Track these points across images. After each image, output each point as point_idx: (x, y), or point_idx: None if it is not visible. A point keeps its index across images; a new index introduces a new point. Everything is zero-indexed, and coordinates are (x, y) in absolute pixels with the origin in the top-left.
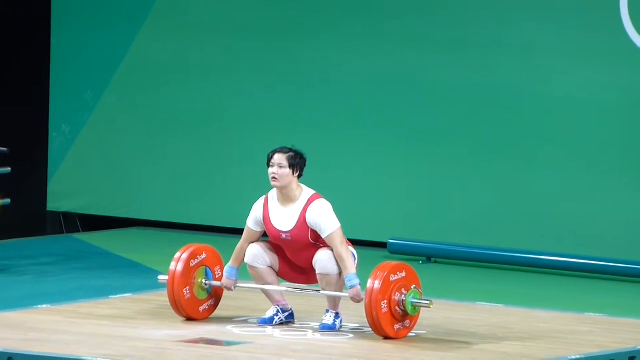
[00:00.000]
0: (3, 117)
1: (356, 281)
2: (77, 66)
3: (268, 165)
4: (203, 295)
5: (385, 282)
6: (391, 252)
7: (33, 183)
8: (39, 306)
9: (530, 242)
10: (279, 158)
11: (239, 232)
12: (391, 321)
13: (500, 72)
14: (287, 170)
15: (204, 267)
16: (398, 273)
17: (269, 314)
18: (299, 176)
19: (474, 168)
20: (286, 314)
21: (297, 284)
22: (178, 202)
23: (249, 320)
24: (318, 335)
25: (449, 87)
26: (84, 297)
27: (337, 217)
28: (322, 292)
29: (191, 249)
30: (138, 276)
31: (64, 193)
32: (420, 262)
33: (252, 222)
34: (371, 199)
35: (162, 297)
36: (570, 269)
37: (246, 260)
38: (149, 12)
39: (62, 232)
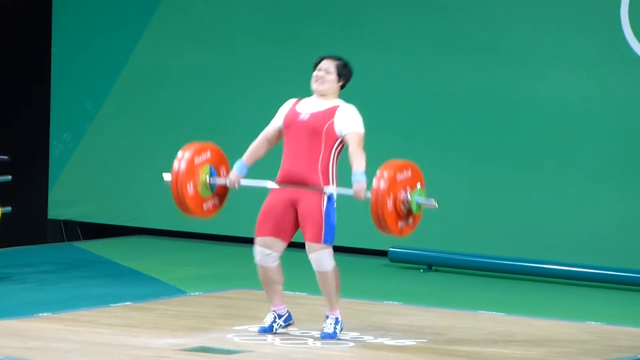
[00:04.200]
0: (3, 125)
1: (363, 177)
2: (78, 74)
3: (317, 64)
4: (207, 193)
5: (392, 181)
6: (392, 261)
7: (34, 191)
8: (39, 314)
9: (532, 250)
10: (327, 64)
11: (240, 240)
12: (395, 219)
13: (501, 79)
14: (334, 77)
15: (209, 165)
16: (404, 171)
17: (267, 322)
18: (342, 86)
19: (474, 176)
20: (283, 317)
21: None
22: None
23: (249, 329)
24: (319, 344)
25: (450, 93)
26: (84, 305)
27: (338, 224)
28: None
29: (196, 146)
30: (138, 284)
31: (64, 201)
32: (421, 270)
33: (276, 117)
34: None
35: (162, 306)
36: (572, 277)
37: (256, 260)
38: (149, 20)
39: (63, 241)
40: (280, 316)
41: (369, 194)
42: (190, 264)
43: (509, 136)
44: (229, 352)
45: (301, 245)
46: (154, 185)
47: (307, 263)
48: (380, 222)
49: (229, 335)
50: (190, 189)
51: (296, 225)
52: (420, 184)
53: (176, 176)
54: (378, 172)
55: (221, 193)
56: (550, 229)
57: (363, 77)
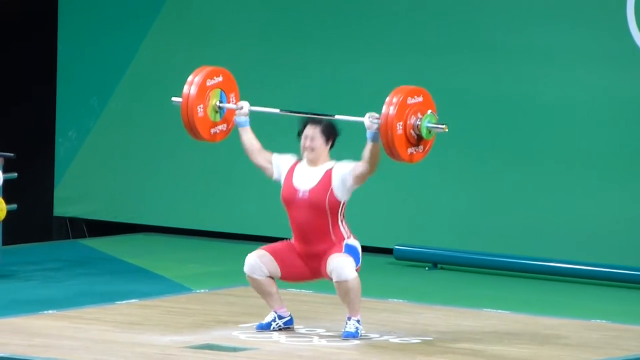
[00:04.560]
0: (9, 122)
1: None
2: (83, 72)
3: (299, 136)
4: (216, 118)
5: (402, 105)
6: (397, 259)
7: (39, 188)
8: (45, 312)
9: (537, 248)
10: (311, 131)
11: (246, 237)
12: (405, 144)
13: (505, 76)
14: (320, 142)
15: (220, 89)
16: (415, 97)
17: (267, 319)
18: (331, 147)
19: (479, 175)
20: (284, 319)
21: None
22: (184, 207)
23: (255, 327)
24: (324, 342)
25: (455, 93)
26: (89, 302)
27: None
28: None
29: (209, 69)
30: (144, 282)
31: (70, 198)
32: (427, 268)
33: (276, 158)
34: (377, 205)
35: (167, 303)
36: (578, 275)
37: (245, 270)
38: (155, 18)
39: (68, 238)
40: (281, 317)
41: (377, 122)
42: (196, 262)
43: (515, 133)
44: (235, 349)
45: None
46: (159, 182)
47: None
48: (390, 148)
49: (235, 333)
50: (200, 111)
51: (304, 278)
52: (432, 110)
53: (187, 98)
54: (388, 97)
55: (229, 119)
56: (556, 227)
57: (368, 78)
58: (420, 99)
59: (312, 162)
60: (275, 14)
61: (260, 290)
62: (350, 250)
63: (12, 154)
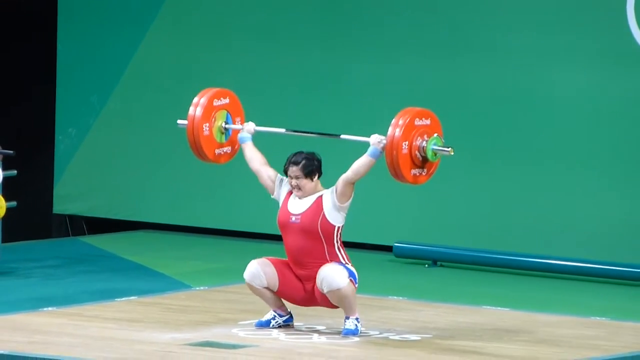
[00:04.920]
0: (9, 119)
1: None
2: (83, 69)
3: (285, 173)
4: (222, 139)
5: (409, 125)
6: (397, 256)
7: (39, 186)
8: (44, 309)
9: (536, 246)
10: (294, 172)
11: (246, 235)
12: (410, 165)
13: (505, 76)
14: (306, 180)
15: (226, 111)
16: (423, 119)
17: (266, 317)
18: (319, 176)
19: (479, 172)
20: (284, 317)
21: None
22: (184, 205)
23: (254, 324)
24: (324, 339)
25: (454, 91)
26: (89, 299)
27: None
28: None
29: (216, 90)
30: (144, 279)
31: (70, 196)
32: (426, 265)
33: (279, 178)
34: (377, 203)
35: (167, 300)
36: (576, 272)
37: (245, 276)
38: (156, 16)
39: (68, 235)
40: (281, 315)
41: (384, 142)
42: (195, 259)
43: (515, 132)
44: (234, 346)
45: None
46: (159, 179)
47: None
48: (395, 169)
49: (234, 330)
50: (205, 129)
51: (299, 301)
52: (438, 134)
53: (192, 118)
54: (394, 119)
55: (235, 141)
56: (555, 225)
57: (366, 77)
58: (428, 121)
59: (303, 196)
60: (275, 13)
61: (259, 295)
62: (347, 269)
63: (12, 152)
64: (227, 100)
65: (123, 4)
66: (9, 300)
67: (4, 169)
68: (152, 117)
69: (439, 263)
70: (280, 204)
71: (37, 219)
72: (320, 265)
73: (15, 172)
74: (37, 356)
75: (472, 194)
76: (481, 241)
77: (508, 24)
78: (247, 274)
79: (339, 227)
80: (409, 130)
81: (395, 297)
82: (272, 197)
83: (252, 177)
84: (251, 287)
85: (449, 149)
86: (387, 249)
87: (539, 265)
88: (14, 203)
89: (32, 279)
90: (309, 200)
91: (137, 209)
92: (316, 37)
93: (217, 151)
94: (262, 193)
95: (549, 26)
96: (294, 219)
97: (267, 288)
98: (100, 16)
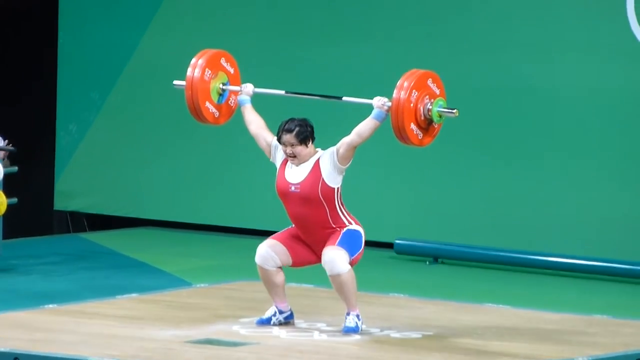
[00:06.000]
0: (10, 115)
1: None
2: (84, 65)
3: (278, 141)
4: (218, 100)
5: (414, 87)
6: (398, 253)
7: (40, 182)
8: (46, 306)
9: (538, 243)
10: (289, 139)
11: (246, 232)
12: (416, 127)
13: (507, 71)
14: (301, 147)
15: (226, 75)
16: (428, 81)
17: (267, 314)
18: (313, 141)
19: (480, 169)
20: (284, 314)
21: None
22: (185, 201)
23: (255, 321)
24: (325, 336)
25: (454, 87)
26: (90, 297)
27: None
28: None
29: (213, 51)
30: (145, 276)
31: (71, 192)
32: (427, 262)
33: (276, 141)
34: (378, 200)
35: (168, 297)
36: (578, 270)
37: (257, 260)
38: (156, 11)
39: (69, 232)
40: (281, 312)
41: (389, 104)
42: (196, 256)
43: (515, 128)
44: (235, 344)
45: None
46: (160, 176)
47: None
48: (401, 132)
49: (235, 327)
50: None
51: (312, 262)
52: (441, 93)
53: (191, 80)
54: (399, 81)
55: (229, 106)
56: (557, 222)
57: (363, 74)
58: (433, 83)
59: (300, 163)
60: (273, 13)
61: (268, 281)
62: (350, 236)
63: (13, 147)
64: (231, 69)
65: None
66: (10, 297)
67: (4, 165)
68: (153, 114)
69: (440, 260)
70: (277, 171)
71: (38, 216)
72: (325, 230)
73: (16, 168)
74: (39, 354)
75: (473, 190)
76: (482, 238)
77: (503, 17)
78: (258, 258)
79: (338, 188)
80: (415, 91)
81: (396, 294)
82: (270, 160)
83: (252, 173)
84: (263, 271)
85: (454, 110)
86: (388, 245)
87: (540, 262)
88: (15, 199)
89: (33, 276)
90: (306, 167)
91: (138, 206)
92: (321, 27)
93: (211, 108)
94: (262, 189)
95: (548, 20)
96: (293, 188)
97: (280, 267)
98: (100, 12)
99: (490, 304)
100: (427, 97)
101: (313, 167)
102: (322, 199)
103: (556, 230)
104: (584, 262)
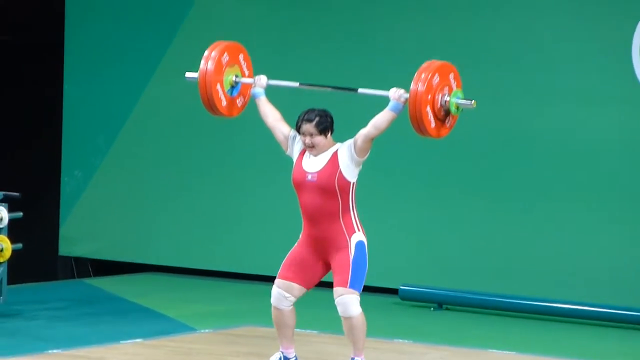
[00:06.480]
0: (15, 161)
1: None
2: (90, 110)
3: (297, 131)
4: (230, 92)
5: (430, 82)
6: (402, 299)
7: (44, 228)
8: (50, 351)
9: (543, 289)
10: (308, 129)
11: (250, 277)
12: (434, 118)
13: (508, 118)
14: (320, 137)
15: (239, 68)
16: (445, 73)
17: (272, 359)
18: (332, 132)
19: (484, 216)
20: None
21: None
22: (190, 247)
23: None
24: None
25: (457, 133)
26: (94, 342)
27: None
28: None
29: (226, 43)
30: (149, 321)
31: (75, 238)
32: (432, 308)
33: (293, 133)
34: (382, 245)
35: (173, 343)
36: (584, 316)
37: (272, 301)
38: (162, 56)
39: (74, 277)
40: (286, 358)
41: (406, 96)
42: (200, 302)
43: (519, 174)
44: None
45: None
46: (165, 222)
47: (320, 301)
48: (419, 124)
49: None
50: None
51: (322, 276)
52: (457, 85)
53: (204, 72)
54: (417, 73)
55: (245, 93)
56: (562, 268)
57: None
58: (450, 75)
59: (318, 154)
60: (282, 57)
61: (280, 321)
62: (358, 265)
63: (17, 194)
64: (244, 63)
65: (130, 44)
66: (14, 342)
67: (9, 211)
68: (158, 159)
69: (444, 306)
70: (295, 162)
71: (42, 261)
72: (333, 225)
73: (21, 214)
74: None
75: (477, 237)
76: (487, 284)
77: (506, 63)
78: (272, 299)
79: (353, 183)
80: (430, 87)
81: (401, 340)
82: (286, 153)
83: (257, 219)
84: (277, 311)
85: (472, 101)
86: (393, 291)
87: (545, 308)
88: (19, 245)
89: (38, 321)
90: (324, 158)
91: (143, 252)
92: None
93: (223, 98)
94: (267, 235)
95: (545, 67)
96: (310, 177)
97: (293, 308)
98: (107, 57)
99: (494, 350)
100: (447, 87)
101: (331, 158)
102: (337, 190)
103: (560, 276)
104: (589, 309)
